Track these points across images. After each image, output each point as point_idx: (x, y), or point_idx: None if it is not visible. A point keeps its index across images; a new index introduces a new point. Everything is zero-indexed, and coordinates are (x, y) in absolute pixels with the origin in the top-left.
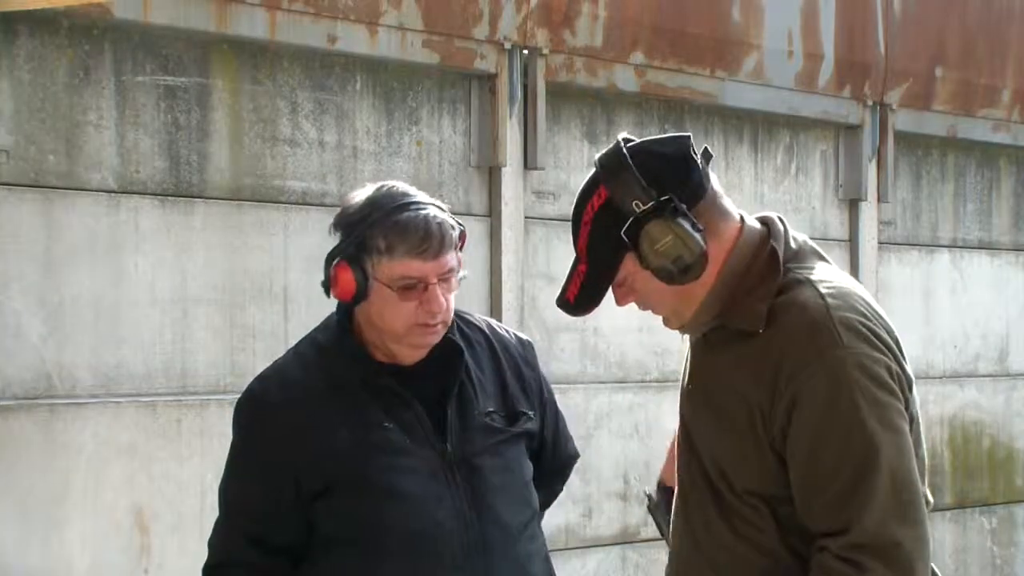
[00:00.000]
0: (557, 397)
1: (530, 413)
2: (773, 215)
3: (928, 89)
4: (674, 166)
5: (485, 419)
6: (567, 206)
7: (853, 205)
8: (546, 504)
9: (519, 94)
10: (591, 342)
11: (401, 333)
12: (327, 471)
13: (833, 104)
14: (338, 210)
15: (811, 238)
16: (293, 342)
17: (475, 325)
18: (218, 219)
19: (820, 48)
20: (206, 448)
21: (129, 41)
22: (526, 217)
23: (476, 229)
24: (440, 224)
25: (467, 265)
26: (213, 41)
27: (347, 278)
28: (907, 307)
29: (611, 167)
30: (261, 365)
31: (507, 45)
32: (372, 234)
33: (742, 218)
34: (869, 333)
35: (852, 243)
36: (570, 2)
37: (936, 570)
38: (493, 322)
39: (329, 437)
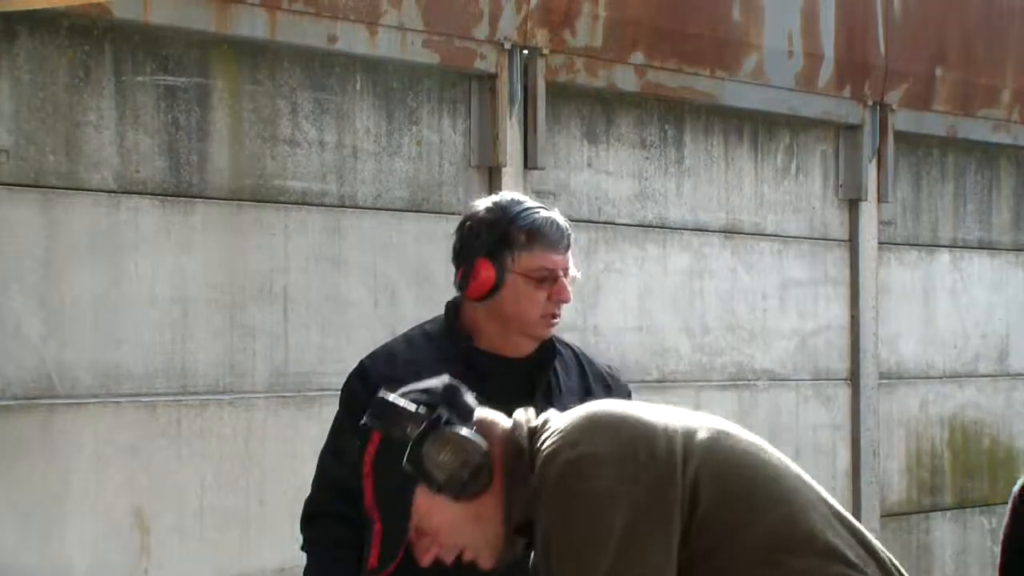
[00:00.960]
0: None
1: None
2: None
3: (928, 89)
4: (443, 391)
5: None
6: (567, 206)
7: (853, 205)
8: None
9: (519, 94)
10: (591, 342)
11: (532, 321)
12: None
13: (833, 104)
14: (461, 218)
15: (811, 238)
16: (293, 342)
17: (566, 343)
18: (218, 219)
19: (820, 48)
20: (206, 448)
21: (129, 41)
22: None
23: None
24: (566, 224)
25: None
26: (213, 41)
27: (487, 273)
28: (907, 307)
29: (376, 411)
30: (261, 365)
31: (507, 45)
32: (512, 230)
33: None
34: None
35: (852, 243)
36: (570, 2)
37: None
38: (582, 348)
39: None
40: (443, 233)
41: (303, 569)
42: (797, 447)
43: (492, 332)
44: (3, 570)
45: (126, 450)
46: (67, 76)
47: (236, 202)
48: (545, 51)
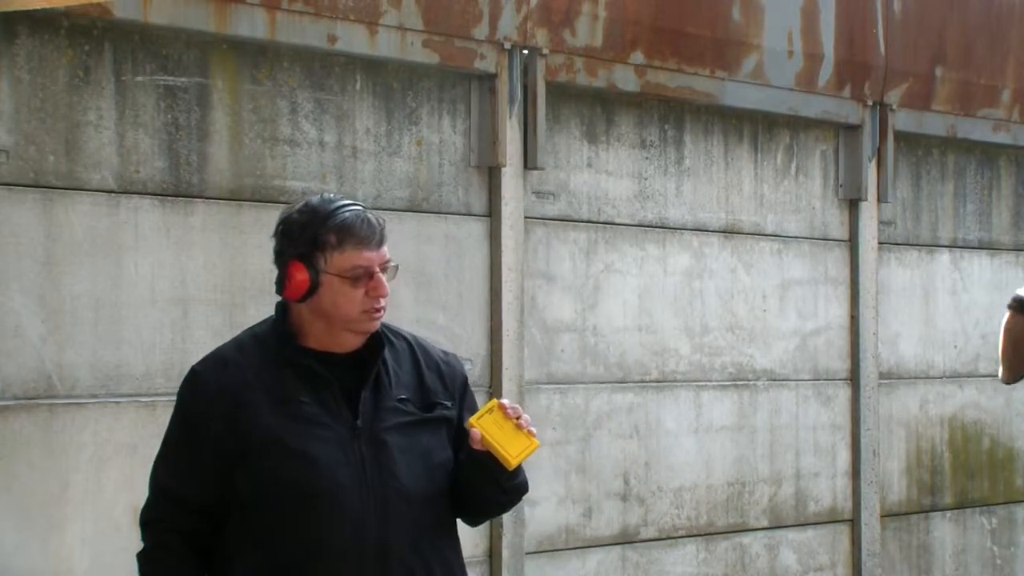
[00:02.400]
0: (557, 397)
1: (447, 403)
2: None
3: (928, 89)
4: None
5: (397, 403)
6: (567, 206)
7: (853, 205)
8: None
9: (519, 94)
10: (591, 342)
11: (353, 318)
12: (248, 438)
13: (833, 104)
14: (276, 221)
15: (811, 238)
16: None
17: (399, 333)
18: (218, 219)
19: (820, 48)
20: None
21: (129, 41)
22: (526, 217)
23: (476, 229)
24: (377, 219)
25: (467, 265)
26: (213, 41)
27: (301, 275)
28: (907, 307)
29: None
30: None
31: (507, 45)
32: (322, 232)
33: None
34: None
35: (852, 243)
36: (570, 2)
37: None
38: (419, 336)
39: (253, 409)
40: (443, 233)
41: None
42: (797, 447)
43: (318, 330)
44: (3, 570)
45: (126, 450)
46: (67, 76)
47: (236, 202)
48: (545, 51)
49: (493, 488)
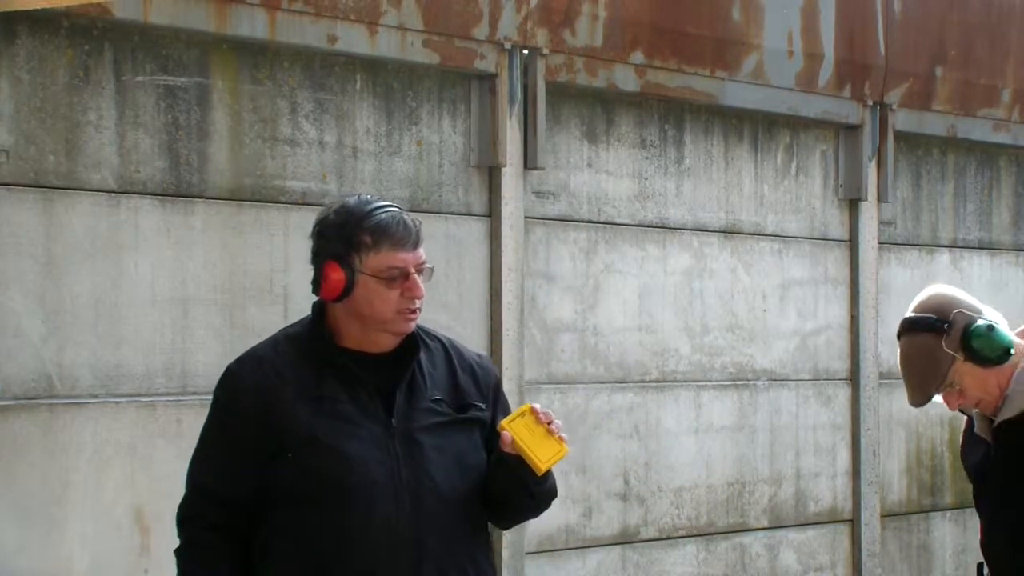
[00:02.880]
0: (557, 397)
1: (480, 405)
2: None
3: (928, 89)
4: None
5: (431, 404)
6: (567, 206)
7: (853, 205)
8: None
9: (519, 94)
10: (591, 342)
11: (388, 319)
12: (283, 435)
13: (833, 104)
14: (314, 222)
15: (811, 238)
16: None
17: (434, 335)
18: (218, 219)
19: (820, 48)
20: None
21: (129, 41)
22: (526, 217)
23: (476, 229)
24: (413, 221)
25: (467, 265)
26: (213, 41)
27: (337, 275)
28: (907, 307)
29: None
30: None
31: (507, 45)
32: (358, 233)
33: None
34: None
35: (852, 243)
36: (570, 2)
37: None
38: (454, 339)
39: (289, 407)
40: (443, 233)
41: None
42: (797, 447)
43: (354, 330)
44: (3, 570)
45: (126, 450)
46: (67, 76)
47: (236, 202)
48: (545, 51)
49: (522, 492)
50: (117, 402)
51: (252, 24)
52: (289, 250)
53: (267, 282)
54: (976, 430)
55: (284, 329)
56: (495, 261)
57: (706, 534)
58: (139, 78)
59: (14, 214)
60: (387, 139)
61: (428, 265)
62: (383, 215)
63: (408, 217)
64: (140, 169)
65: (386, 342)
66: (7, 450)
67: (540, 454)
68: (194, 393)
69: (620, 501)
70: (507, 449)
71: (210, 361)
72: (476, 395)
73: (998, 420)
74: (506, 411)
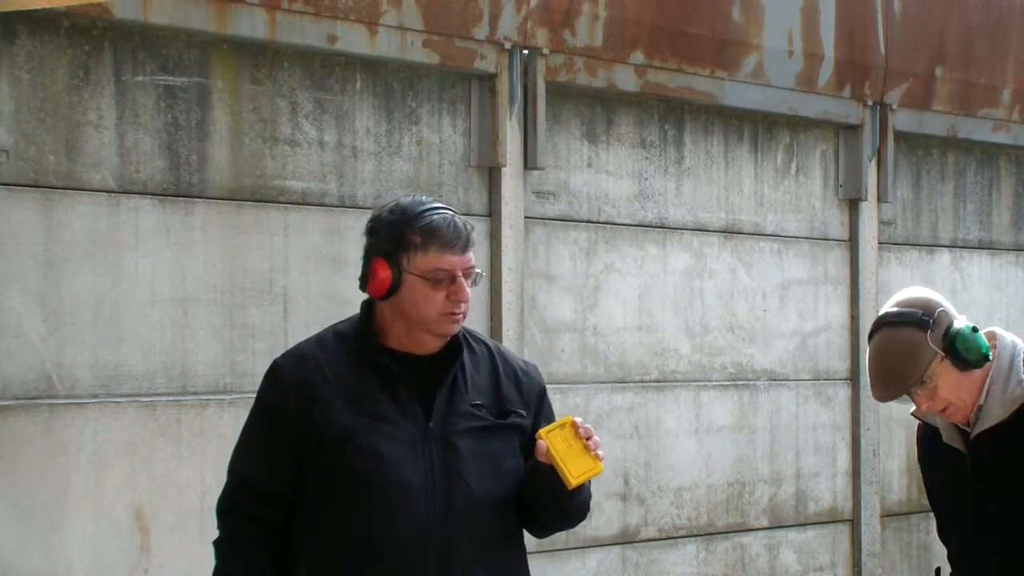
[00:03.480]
0: (557, 397)
1: (522, 412)
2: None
3: (928, 89)
4: None
5: (471, 408)
6: (567, 206)
7: (853, 205)
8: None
9: (519, 94)
10: (591, 342)
11: (432, 320)
12: (321, 432)
13: (833, 104)
14: (368, 217)
15: (811, 238)
16: (293, 342)
17: (479, 338)
18: (218, 219)
19: (820, 48)
20: (206, 448)
21: (129, 41)
22: (526, 217)
23: (476, 229)
24: (464, 224)
25: None
26: (213, 41)
27: (384, 273)
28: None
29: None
30: (261, 365)
31: (507, 45)
32: (408, 232)
33: None
34: None
35: (852, 243)
36: (570, 2)
37: None
38: (501, 344)
39: (327, 404)
40: None
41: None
42: (797, 447)
43: (398, 330)
44: (3, 570)
45: (126, 450)
46: (67, 76)
47: (236, 202)
48: (545, 51)
49: (552, 502)
50: (117, 402)
51: (252, 24)
52: (289, 250)
53: (267, 282)
54: (945, 439)
55: (334, 325)
56: (495, 261)
57: (706, 534)
58: (139, 78)
59: (14, 214)
60: (387, 139)
61: (477, 270)
62: (435, 216)
63: (460, 220)
64: (140, 169)
65: (430, 343)
66: (7, 450)
67: (572, 468)
68: (194, 393)
69: (620, 501)
70: (541, 458)
71: (210, 361)
72: (518, 402)
73: (976, 431)
74: (549, 419)
